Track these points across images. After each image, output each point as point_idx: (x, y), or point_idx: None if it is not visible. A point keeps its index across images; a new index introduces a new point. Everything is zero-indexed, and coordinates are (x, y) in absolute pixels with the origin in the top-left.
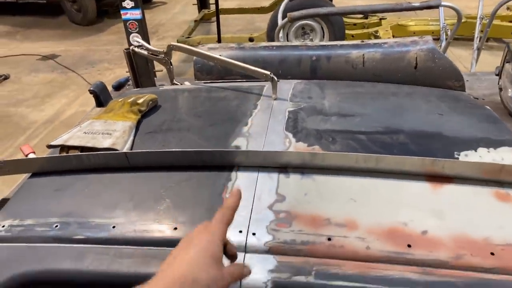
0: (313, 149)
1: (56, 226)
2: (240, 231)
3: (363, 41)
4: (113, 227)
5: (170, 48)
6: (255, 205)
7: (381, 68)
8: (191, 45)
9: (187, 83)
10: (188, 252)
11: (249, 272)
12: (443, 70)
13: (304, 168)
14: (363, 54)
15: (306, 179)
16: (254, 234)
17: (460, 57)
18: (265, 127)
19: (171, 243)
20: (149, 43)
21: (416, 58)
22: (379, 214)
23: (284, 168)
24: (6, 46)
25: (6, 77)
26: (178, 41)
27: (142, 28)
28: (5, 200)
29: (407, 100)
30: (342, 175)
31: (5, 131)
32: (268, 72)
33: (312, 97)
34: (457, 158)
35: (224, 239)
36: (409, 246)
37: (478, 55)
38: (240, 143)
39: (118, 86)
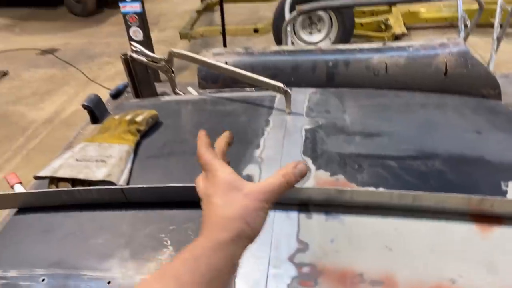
0: (337, 180)
1: (43, 280)
2: None
3: (385, 44)
4: (108, 282)
5: (172, 55)
6: (273, 256)
7: (406, 75)
8: (193, 37)
9: (190, 88)
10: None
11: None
12: (477, 77)
13: (329, 205)
14: (386, 59)
15: (332, 221)
16: None
17: (475, 45)
18: (279, 150)
19: None
20: (149, 37)
21: (446, 63)
22: (420, 266)
23: (304, 205)
24: (5, 40)
25: (5, 73)
26: (180, 33)
27: (143, 22)
28: None
29: (438, 113)
30: (373, 215)
31: (4, 132)
32: (281, 85)
33: (331, 111)
34: (505, 190)
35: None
36: None
37: (498, 45)
38: (252, 171)
39: (116, 94)
